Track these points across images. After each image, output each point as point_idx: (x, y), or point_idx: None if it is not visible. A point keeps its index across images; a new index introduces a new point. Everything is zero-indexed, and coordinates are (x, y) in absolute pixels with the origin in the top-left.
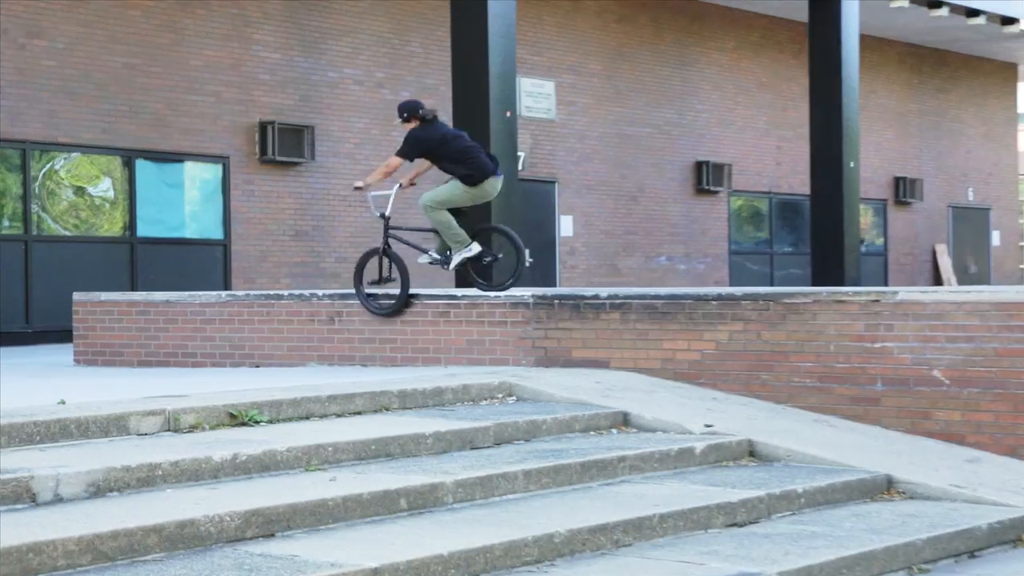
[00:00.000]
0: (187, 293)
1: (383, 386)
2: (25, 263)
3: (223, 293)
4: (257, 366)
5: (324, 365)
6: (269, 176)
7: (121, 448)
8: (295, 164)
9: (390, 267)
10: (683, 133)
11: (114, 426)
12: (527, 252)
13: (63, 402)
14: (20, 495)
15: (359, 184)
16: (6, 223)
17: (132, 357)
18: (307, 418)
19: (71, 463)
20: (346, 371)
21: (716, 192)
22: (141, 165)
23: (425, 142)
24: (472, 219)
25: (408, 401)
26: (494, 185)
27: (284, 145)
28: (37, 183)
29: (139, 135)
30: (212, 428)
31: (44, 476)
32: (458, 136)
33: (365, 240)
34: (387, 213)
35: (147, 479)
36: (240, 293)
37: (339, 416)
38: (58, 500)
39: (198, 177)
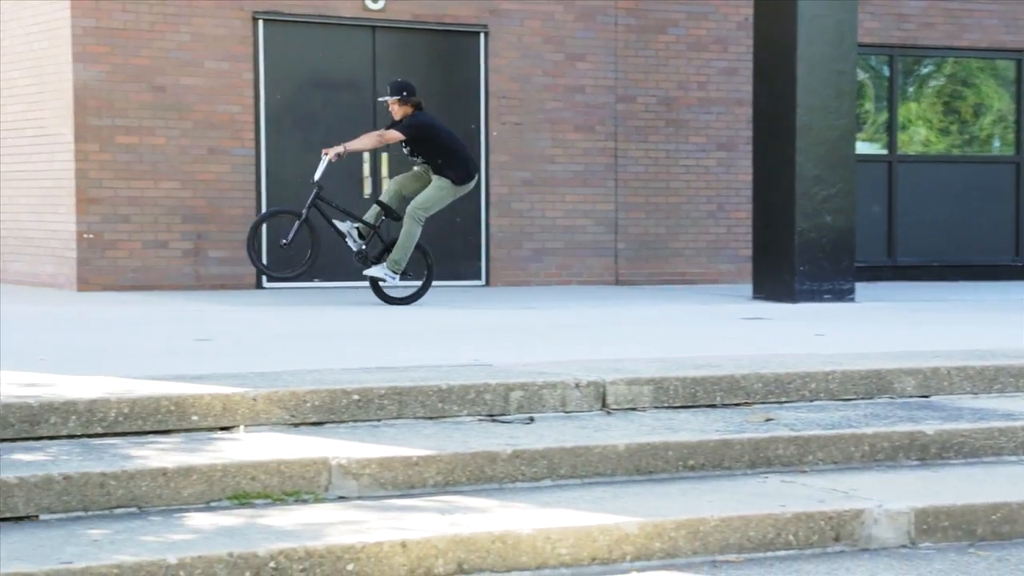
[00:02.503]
0: None
1: None
2: (1016, 190)
3: None
4: None
5: None
6: None
7: None
8: None
9: (298, 233)
10: None
11: None
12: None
13: None
14: None
15: (340, 150)
16: (995, 143)
17: None
18: None
19: None
20: None
21: None
22: None
23: (432, 129)
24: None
25: None
26: (469, 186)
27: None
28: None
29: None
30: None
31: None
32: (450, 130)
33: None
34: (319, 180)
35: None
36: None
37: None
38: None
39: None
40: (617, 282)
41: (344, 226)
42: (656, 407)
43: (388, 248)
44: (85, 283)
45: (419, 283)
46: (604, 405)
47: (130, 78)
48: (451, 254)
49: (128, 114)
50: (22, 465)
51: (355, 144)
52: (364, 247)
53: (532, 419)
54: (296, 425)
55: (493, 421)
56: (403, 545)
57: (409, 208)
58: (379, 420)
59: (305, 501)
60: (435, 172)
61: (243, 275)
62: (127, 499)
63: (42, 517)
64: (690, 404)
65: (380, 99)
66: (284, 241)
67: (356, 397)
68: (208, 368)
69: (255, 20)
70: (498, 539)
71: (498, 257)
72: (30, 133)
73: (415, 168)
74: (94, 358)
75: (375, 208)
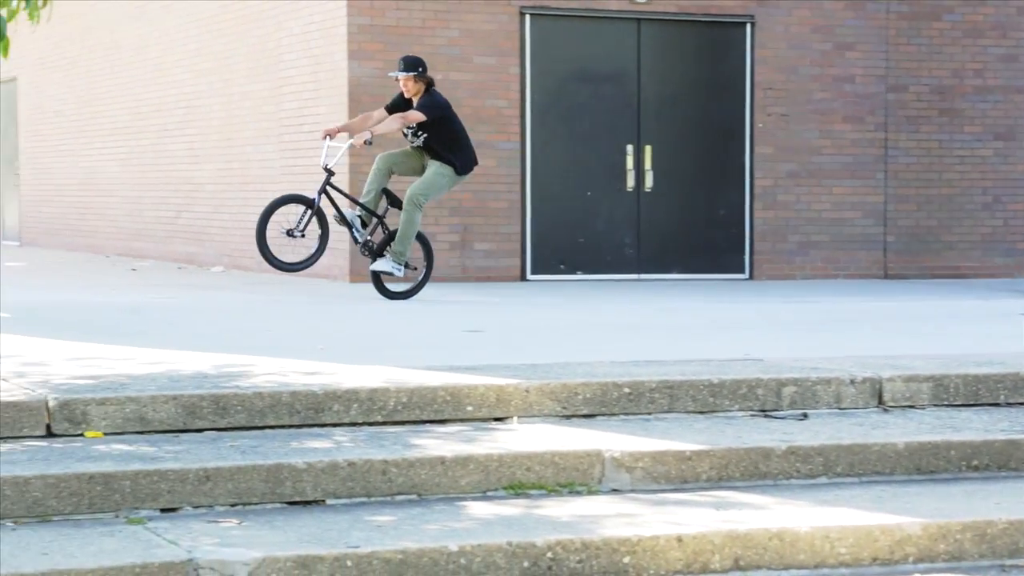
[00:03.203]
0: None
1: None
2: None
3: None
4: None
5: None
6: None
7: None
8: None
9: (309, 222)
10: None
11: None
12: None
13: None
14: None
15: (367, 136)
16: None
17: None
18: None
19: None
20: None
21: None
22: None
23: (449, 110)
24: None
25: None
26: (467, 176)
27: None
28: None
29: None
30: None
31: None
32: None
33: None
34: (333, 167)
35: None
36: None
37: None
38: None
39: None
40: (886, 276)
41: (350, 214)
42: (935, 405)
43: (392, 237)
44: (357, 275)
45: (419, 277)
46: (880, 402)
47: None
48: (714, 247)
49: None
50: (309, 451)
51: (380, 128)
52: (369, 238)
53: (805, 415)
54: (567, 417)
55: (765, 416)
56: (679, 539)
57: (409, 193)
58: (650, 414)
59: (579, 493)
60: (435, 157)
61: (508, 267)
62: (407, 486)
63: (328, 502)
64: (971, 403)
65: (390, 74)
66: (298, 231)
67: (627, 390)
68: (479, 359)
69: (522, 15)
70: (775, 536)
71: (762, 250)
72: (306, 129)
73: (409, 147)
74: (370, 347)
75: (375, 193)
